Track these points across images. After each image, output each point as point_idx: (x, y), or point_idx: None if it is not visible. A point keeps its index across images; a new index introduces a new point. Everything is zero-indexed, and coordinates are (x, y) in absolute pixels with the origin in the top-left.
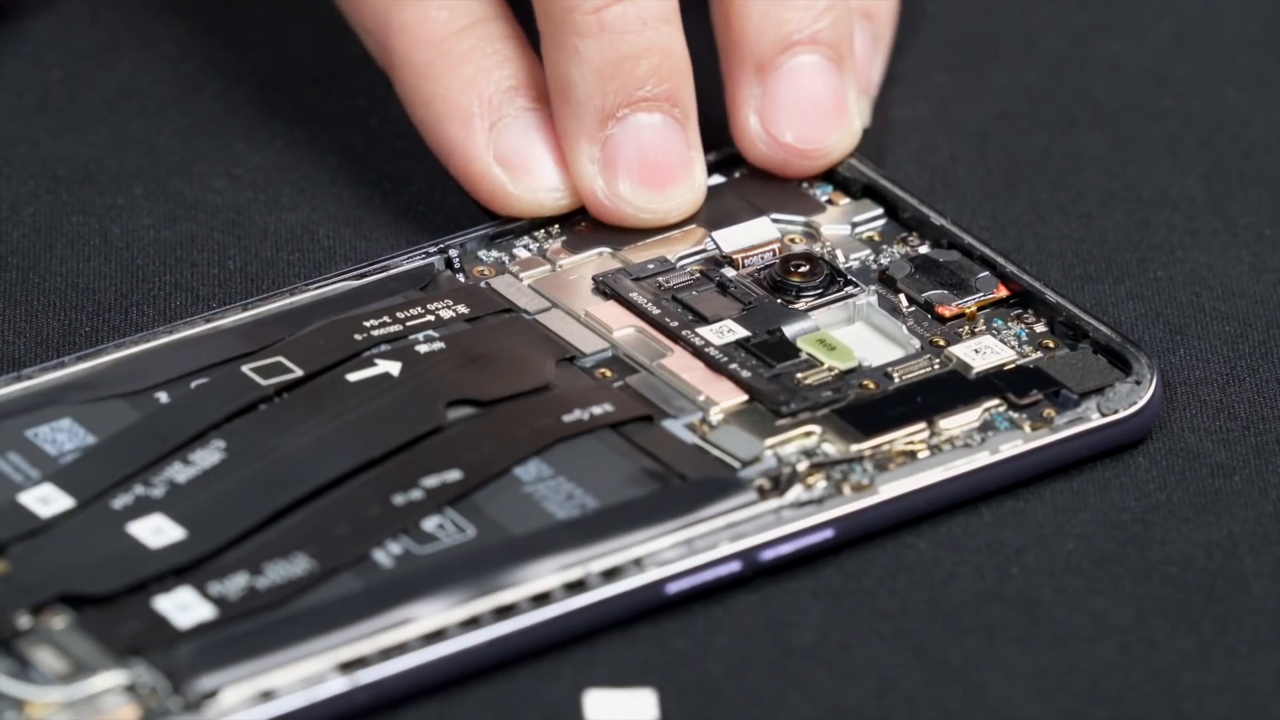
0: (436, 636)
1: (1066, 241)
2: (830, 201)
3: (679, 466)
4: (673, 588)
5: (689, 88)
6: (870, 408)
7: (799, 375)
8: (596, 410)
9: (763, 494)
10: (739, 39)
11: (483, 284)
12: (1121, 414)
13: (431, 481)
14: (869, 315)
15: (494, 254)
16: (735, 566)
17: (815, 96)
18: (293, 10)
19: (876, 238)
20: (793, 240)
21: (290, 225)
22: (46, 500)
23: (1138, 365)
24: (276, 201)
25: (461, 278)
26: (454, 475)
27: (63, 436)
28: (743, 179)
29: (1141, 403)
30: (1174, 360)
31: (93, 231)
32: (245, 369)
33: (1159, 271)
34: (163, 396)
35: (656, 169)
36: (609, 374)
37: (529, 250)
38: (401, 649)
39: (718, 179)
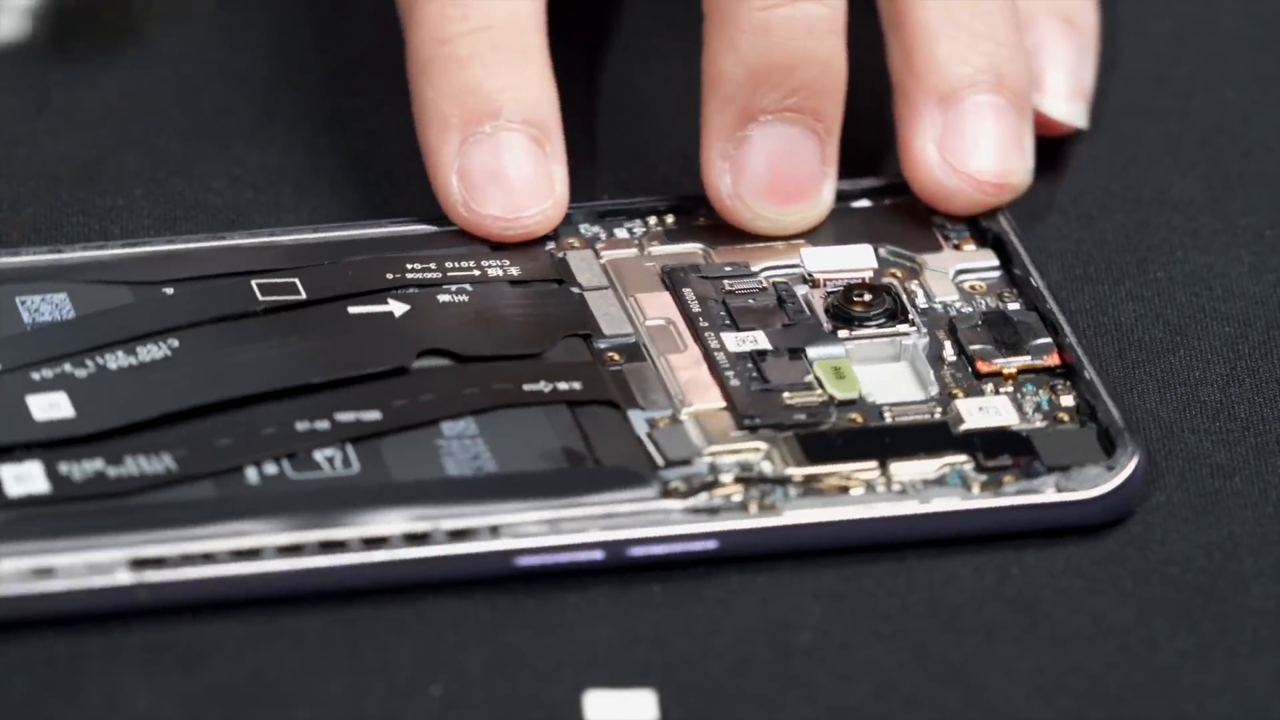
0: (250, 555)
1: (1066, 242)
2: (957, 246)
3: (600, 452)
4: (524, 561)
5: (839, 105)
6: (833, 438)
7: (786, 394)
8: (563, 386)
9: (668, 494)
10: (921, 72)
11: (561, 254)
12: (1078, 495)
13: (345, 417)
14: (913, 356)
15: (595, 229)
16: (598, 555)
17: (998, 133)
18: (293, 10)
19: (979, 288)
20: (893, 274)
21: (291, 225)
22: None
23: (1122, 451)
24: (276, 202)
25: (552, 244)
26: (372, 415)
27: (48, 308)
28: (876, 207)
29: (1104, 489)
30: (1174, 360)
31: (93, 231)
32: (254, 282)
33: (1159, 272)
34: (169, 291)
35: (784, 181)
36: (618, 358)
37: (631, 233)
38: (208, 559)
39: (864, 203)
